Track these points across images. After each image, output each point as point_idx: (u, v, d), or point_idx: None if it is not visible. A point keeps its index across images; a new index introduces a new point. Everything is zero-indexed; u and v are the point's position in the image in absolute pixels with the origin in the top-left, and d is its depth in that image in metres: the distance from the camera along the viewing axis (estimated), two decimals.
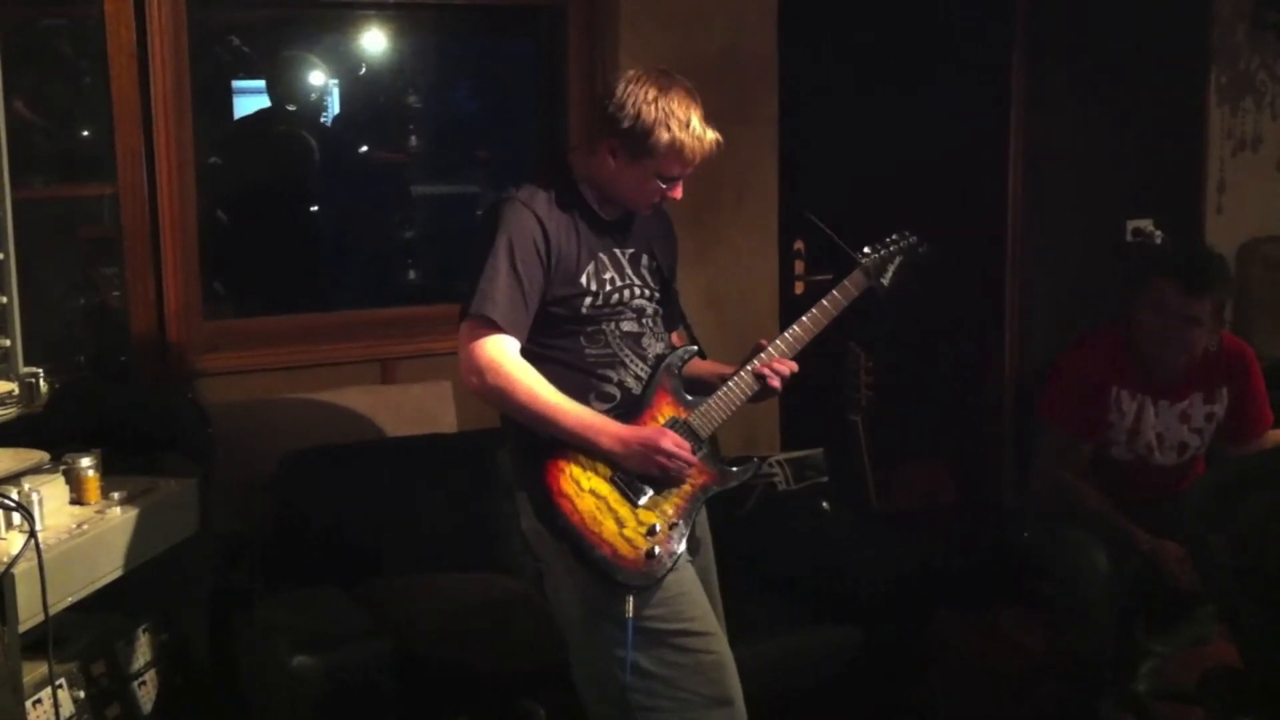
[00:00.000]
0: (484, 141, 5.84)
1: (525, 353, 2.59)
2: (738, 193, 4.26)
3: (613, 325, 2.68)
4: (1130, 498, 3.52)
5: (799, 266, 4.56)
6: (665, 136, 2.57)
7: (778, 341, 2.75)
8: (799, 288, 4.54)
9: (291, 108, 4.88)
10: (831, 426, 4.19)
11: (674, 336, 2.87)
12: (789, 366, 2.73)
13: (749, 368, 2.72)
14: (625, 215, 2.74)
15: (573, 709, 2.77)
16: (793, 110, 4.35)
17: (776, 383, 2.72)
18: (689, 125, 2.58)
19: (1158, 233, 4.91)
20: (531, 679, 3.10)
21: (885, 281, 2.89)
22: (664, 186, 2.64)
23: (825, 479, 4.10)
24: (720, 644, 2.66)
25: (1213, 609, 3.41)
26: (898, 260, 2.91)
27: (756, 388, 2.72)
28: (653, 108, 2.57)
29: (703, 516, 2.76)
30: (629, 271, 2.72)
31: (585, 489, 2.57)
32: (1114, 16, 4.72)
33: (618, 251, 2.71)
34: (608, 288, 2.66)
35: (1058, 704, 3.61)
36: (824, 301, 2.80)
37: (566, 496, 2.56)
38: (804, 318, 2.78)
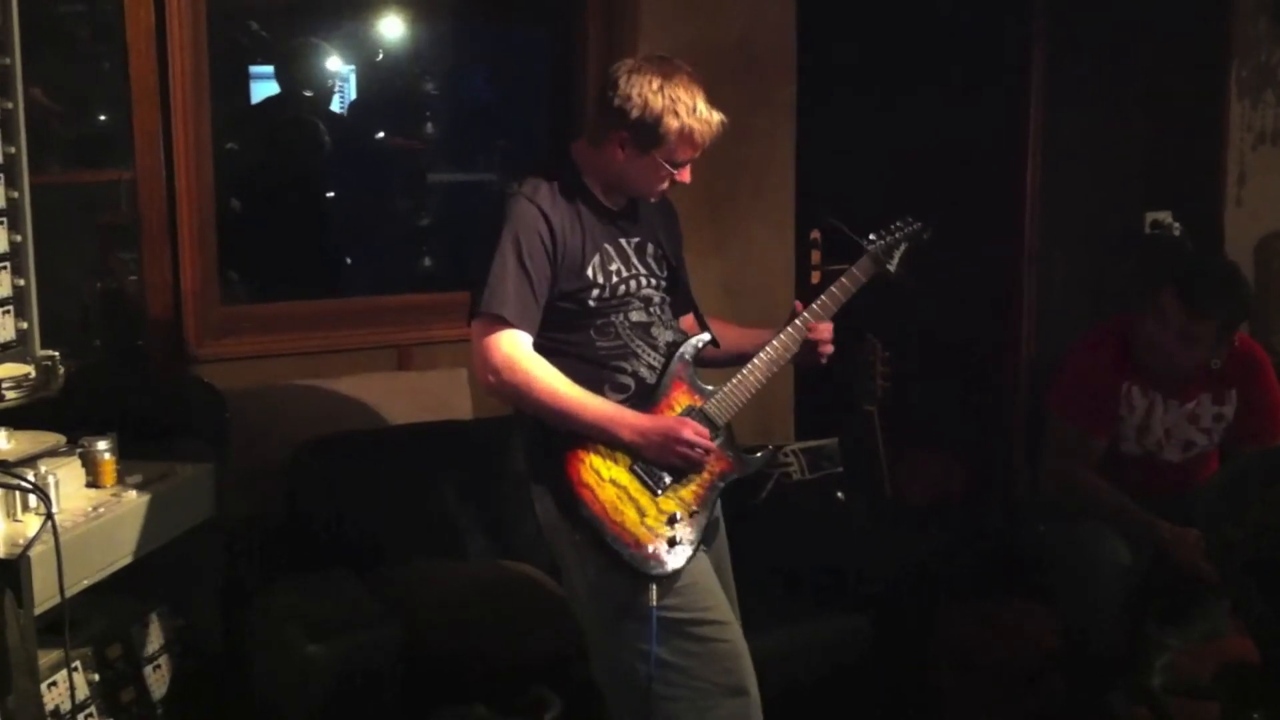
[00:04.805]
0: (500, 129, 5.83)
1: (536, 347, 2.59)
2: (754, 183, 4.25)
3: (621, 316, 2.68)
4: (1138, 492, 3.49)
5: (815, 256, 4.54)
6: (674, 124, 2.57)
7: (787, 332, 2.76)
8: (815, 277, 4.52)
9: (309, 94, 4.88)
10: (846, 417, 4.18)
11: (685, 321, 2.87)
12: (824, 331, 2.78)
13: (780, 339, 2.74)
14: (630, 204, 2.74)
15: (587, 697, 2.78)
16: (810, 103, 4.33)
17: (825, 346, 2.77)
18: (696, 110, 2.58)
19: (1176, 225, 4.88)
20: (546, 666, 3.09)
21: (892, 267, 2.89)
22: (673, 171, 2.64)
23: (840, 469, 4.09)
24: (735, 633, 2.67)
25: (1226, 602, 3.40)
26: (903, 246, 2.91)
27: (795, 350, 2.74)
28: (659, 96, 2.57)
29: (717, 504, 2.76)
30: (635, 261, 2.71)
31: (606, 479, 2.57)
32: (1134, 9, 4.69)
33: (623, 241, 2.71)
34: (614, 279, 2.66)
35: (1067, 697, 3.60)
36: (833, 288, 2.80)
37: (588, 487, 2.56)
38: (814, 304, 2.79)
